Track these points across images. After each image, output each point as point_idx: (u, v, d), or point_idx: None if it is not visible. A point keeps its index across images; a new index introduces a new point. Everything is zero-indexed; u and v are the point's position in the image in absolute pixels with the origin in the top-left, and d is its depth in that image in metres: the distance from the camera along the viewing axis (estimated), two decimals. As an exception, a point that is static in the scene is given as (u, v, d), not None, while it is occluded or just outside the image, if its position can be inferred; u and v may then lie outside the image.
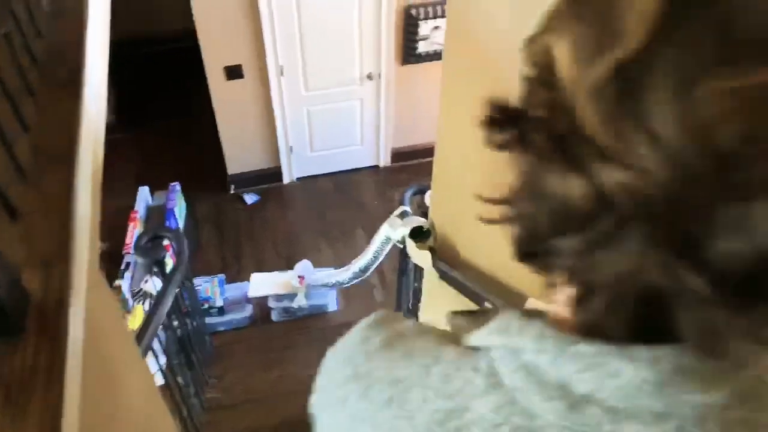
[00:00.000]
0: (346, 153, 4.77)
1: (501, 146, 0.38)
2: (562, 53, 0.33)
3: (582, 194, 0.32)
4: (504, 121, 0.37)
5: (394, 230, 2.61)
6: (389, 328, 0.52)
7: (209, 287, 3.76)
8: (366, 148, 4.80)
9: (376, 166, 4.93)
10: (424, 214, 2.94)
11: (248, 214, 4.53)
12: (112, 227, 4.31)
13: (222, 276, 3.86)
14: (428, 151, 5.04)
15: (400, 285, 3.46)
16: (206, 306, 3.69)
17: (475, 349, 0.45)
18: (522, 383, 0.40)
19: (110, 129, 4.74)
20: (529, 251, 0.39)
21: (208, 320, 3.60)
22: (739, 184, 0.29)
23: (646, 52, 0.29)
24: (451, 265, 2.08)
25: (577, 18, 0.33)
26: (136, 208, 4.22)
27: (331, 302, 3.64)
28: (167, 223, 4.06)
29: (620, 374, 0.37)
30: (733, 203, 0.29)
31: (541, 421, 0.39)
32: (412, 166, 4.91)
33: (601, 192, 0.32)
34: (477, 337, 0.45)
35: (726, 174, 0.29)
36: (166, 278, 2.64)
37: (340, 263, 4.16)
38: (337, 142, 4.67)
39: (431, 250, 2.15)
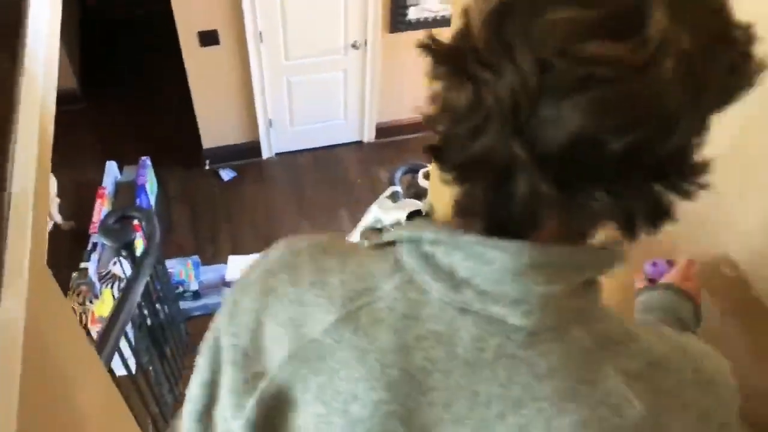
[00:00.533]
0: (328, 127, 4.55)
1: (434, 77, 0.50)
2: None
3: (468, 98, 0.46)
4: (436, 52, 0.49)
5: (385, 213, 2.42)
6: (312, 237, 0.63)
7: (183, 270, 3.54)
8: (349, 123, 4.58)
9: (360, 142, 4.72)
10: (417, 195, 2.76)
11: (224, 191, 4.31)
12: (77, 204, 4.05)
13: (196, 258, 3.65)
14: (415, 127, 4.85)
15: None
16: (180, 290, 3.48)
17: (386, 245, 0.57)
18: (419, 267, 0.53)
19: (74, 98, 4.45)
20: (434, 147, 0.52)
21: (182, 305, 3.40)
22: (555, 85, 0.42)
23: None
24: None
25: None
26: (103, 184, 3.97)
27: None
28: (138, 201, 3.82)
29: (493, 262, 0.49)
30: (551, 100, 0.43)
31: (429, 297, 0.52)
32: (398, 143, 4.71)
33: (479, 95, 0.45)
34: (389, 234, 0.56)
35: (546, 78, 0.42)
36: (137, 263, 2.43)
37: (322, 245, 3.98)
38: (319, 116, 4.44)
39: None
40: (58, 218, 3.73)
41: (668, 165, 0.46)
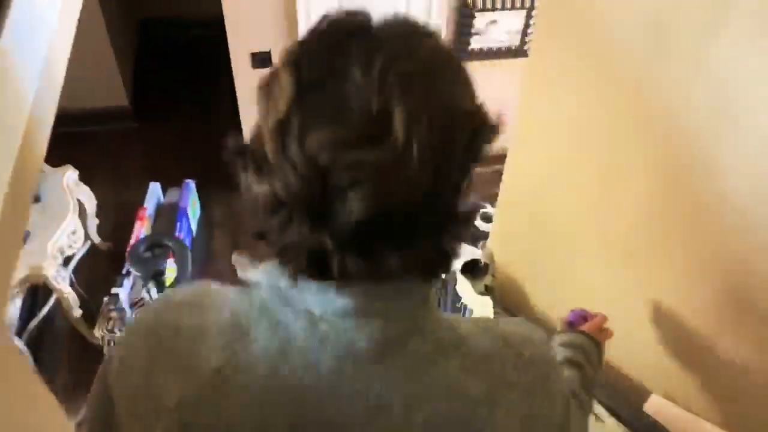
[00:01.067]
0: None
1: (240, 170, 0.62)
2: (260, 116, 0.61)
3: (266, 195, 0.58)
4: (235, 153, 0.63)
5: None
6: (186, 291, 0.73)
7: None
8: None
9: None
10: (474, 238, 2.51)
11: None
12: (118, 224, 3.95)
13: (234, 289, 3.49)
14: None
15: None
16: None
17: (251, 284, 0.68)
18: (282, 308, 0.64)
19: (125, 116, 4.39)
20: (259, 233, 0.64)
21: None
22: (334, 185, 0.53)
23: (286, 115, 0.55)
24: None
25: (261, 99, 0.61)
26: (145, 205, 3.87)
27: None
28: (178, 224, 3.70)
29: (335, 302, 0.61)
30: (336, 198, 0.54)
31: (295, 333, 0.63)
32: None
33: (274, 193, 0.57)
34: (252, 274, 0.67)
35: (326, 180, 0.53)
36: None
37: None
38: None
39: (488, 290, 1.71)
40: (96, 238, 3.62)
41: (441, 222, 0.60)
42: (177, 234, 3.60)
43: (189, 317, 0.67)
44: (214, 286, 0.72)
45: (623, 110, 1.22)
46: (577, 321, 1.18)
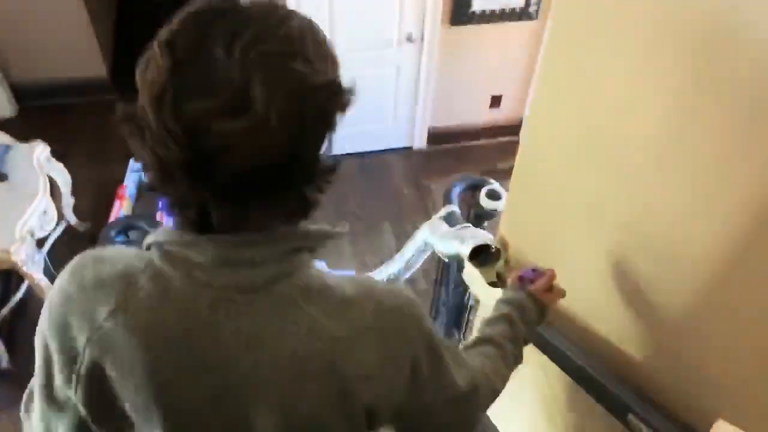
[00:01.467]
0: (375, 131, 4.15)
1: (127, 135, 0.69)
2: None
3: (150, 157, 0.66)
4: (122, 120, 0.68)
5: (440, 240, 2.00)
6: (94, 252, 0.80)
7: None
8: (399, 126, 4.17)
9: (410, 148, 4.30)
10: (478, 217, 2.32)
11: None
12: (96, 203, 3.74)
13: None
14: (474, 134, 4.41)
15: (436, 299, 2.86)
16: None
17: (148, 248, 0.76)
18: (164, 263, 0.73)
19: (103, 87, 4.09)
20: (149, 186, 0.70)
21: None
22: (207, 149, 0.62)
23: (162, 89, 0.62)
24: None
25: (140, 75, 0.66)
26: (125, 183, 3.66)
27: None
28: (160, 206, 3.49)
29: (209, 252, 0.71)
30: (207, 158, 0.63)
31: (174, 281, 0.72)
32: (452, 151, 4.28)
33: (158, 156, 0.65)
34: (146, 239, 0.76)
35: (200, 145, 0.62)
36: None
37: (361, 264, 3.57)
38: (365, 117, 4.02)
39: (500, 279, 1.53)
40: (72, 219, 3.42)
41: (302, 177, 0.71)
42: (158, 214, 3.41)
43: (91, 270, 0.76)
44: (121, 248, 0.82)
45: (680, 73, 1.01)
46: (528, 277, 1.21)
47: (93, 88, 4.44)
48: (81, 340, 0.74)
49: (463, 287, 2.33)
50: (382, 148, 4.25)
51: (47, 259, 2.98)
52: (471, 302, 2.38)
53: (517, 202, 1.62)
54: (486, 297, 1.61)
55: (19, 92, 4.31)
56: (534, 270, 1.22)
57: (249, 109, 0.62)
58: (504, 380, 1.02)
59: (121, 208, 3.47)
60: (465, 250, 1.64)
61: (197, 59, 0.63)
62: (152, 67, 0.64)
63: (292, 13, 0.68)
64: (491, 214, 2.26)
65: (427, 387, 0.82)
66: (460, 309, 2.54)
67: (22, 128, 4.37)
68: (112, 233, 2.13)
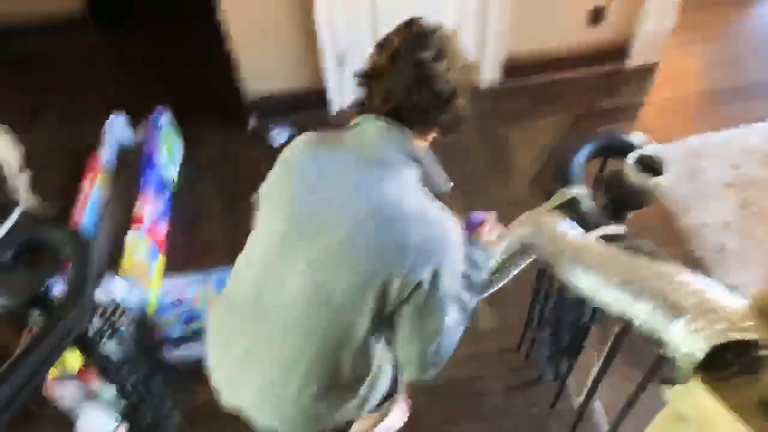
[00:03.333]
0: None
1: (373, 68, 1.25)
2: None
3: (378, 90, 1.24)
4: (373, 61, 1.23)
5: (573, 268, 1.11)
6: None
7: (201, 293, 2.38)
8: (462, 57, 3.20)
9: (476, 87, 3.34)
10: (618, 200, 1.41)
11: (275, 161, 3.09)
12: (70, 175, 2.99)
13: (224, 274, 2.47)
14: (565, 63, 3.40)
15: (530, 315, 1.99)
16: (188, 329, 2.32)
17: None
18: (347, 132, 1.27)
19: (79, 26, 2.89)
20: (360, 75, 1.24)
21: (189, 352, 2.24)
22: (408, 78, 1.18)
23: (396, 51, 1.18)
24: None
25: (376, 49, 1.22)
26: (100, 150, 2.86)
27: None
28: (143, 178, 2.69)
29: (373, 126, 1.21)
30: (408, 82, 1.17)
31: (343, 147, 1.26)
32: (535, 87, 3.31)
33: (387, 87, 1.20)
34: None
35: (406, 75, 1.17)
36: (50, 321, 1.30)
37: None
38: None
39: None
40: (28, 200, 2.66)
41: (444, 106, 1.19)
42: (142, 185, 2.60)
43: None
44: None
45: None
46: (475, 224, 1.46)
47: (65, 26, 3.63)
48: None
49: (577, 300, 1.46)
50: (440, 88, 3.31)
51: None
52: (590, 322, 1.50)
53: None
54: None
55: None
56: (474, 216, 1.51)
57: (433, 75, 1.16)
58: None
59: (94, 185, 2.68)
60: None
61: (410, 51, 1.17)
62: (389, 45, 1.18)
63: (444, 36, 1.22)
64: (644, 198, 1.34)
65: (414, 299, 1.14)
66: (571, 329, 1.66)
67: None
68: (6, 256, 1.33)
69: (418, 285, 1.11)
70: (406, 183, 1.17)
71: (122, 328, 1.92)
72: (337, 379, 1.22)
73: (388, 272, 1.10)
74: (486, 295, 1.49)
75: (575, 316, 1.52)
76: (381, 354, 1.28)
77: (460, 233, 1.19)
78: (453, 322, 1.19)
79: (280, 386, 1.22)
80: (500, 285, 1.65)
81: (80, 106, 3.44)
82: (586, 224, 1.27)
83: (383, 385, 1.35)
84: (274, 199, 1.25)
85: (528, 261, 1.52)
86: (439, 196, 1.23)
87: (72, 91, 3.56)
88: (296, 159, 1.25)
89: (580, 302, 1.45)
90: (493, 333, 2.28)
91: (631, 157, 1.30)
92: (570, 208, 1.31)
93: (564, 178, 1.34)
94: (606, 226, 1.22)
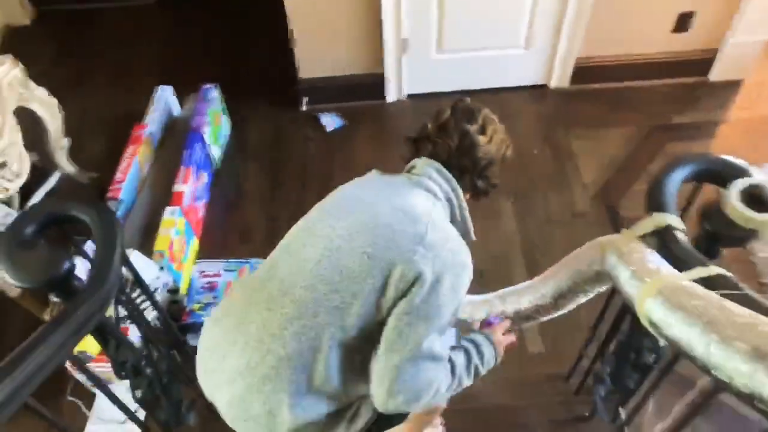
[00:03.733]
0: (497, 59, 3.03)
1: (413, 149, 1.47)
2: None
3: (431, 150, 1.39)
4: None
5: (670, 310, 0.95)
6: None
7: (233, 280, 2.28)
8: (534, 54, 3.02)
9: (544, 87, 3.16)
10: (713, 237, 1.23)
11: (326, 146, 2.96)
12: (114, 144, 2.91)
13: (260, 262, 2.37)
14: (641, 70, 3.15)
15: (588, 344, 1.82)
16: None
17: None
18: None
19: None
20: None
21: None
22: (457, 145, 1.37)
23: (446, 121, 1.39)
24: None
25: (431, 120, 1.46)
26: (145, 121, 2.78)
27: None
28: (188, 154, 2.60)
29: (432, 167, 1.37)
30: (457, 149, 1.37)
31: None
32: (605, 93, 3.11)
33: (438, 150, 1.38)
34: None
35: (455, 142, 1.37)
36: (68, 307, 1.19)
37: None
38: (483, 40, 2.93)
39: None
40: (69, 167, 2.59)
41: (480, 173, 1.36)
42: (185, 160, 2.51)
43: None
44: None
45: None
46: (491, 323, 1.46)
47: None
48: None
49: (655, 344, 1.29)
50: (504, 86, 3.13)
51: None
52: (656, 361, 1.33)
53: None
54: None
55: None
56: (493, 317, 1.51)
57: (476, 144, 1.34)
58: (438, 391, 1.20)
59: (135, 157, 2.60)
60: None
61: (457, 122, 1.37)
62: (441, 117, 1.37)
63: (487, 115, 1.40)
64: (745, 235, 1.17)
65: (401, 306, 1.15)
66: (639, 370, 1.48)
67: (36, 39, 3.64)
68: (28, 229, 1.23)
69: (417, 281, 1.13)
70: (437, 206, 1.28)
71: (147, 312, 1.84)
72: (313, 383, 1.16)
73: (396, 254, 1.15)
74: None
75: (651, 360, 1.35)
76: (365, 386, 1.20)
77: (471, 270, 1.23)
78: (441, 356, 1.18)
79: (250, 374, 1.16)
80: (563, 312, 1.49)
81: (129, 73, 3.37)
82: (675, 259, 1.10)
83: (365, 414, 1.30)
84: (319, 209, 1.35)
85: (600, 291, 1.36)
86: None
87: (123, 56, 3.49)
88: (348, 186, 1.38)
89: (658, 346, 1.28)
90: (540, 357, 2.11)
91: (735, 187, 1.13)
92: (658, 238, 1.15)
93: (655, 201, 1.17)
94: (703, 267, 1.05)
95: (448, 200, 1.32)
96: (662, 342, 1.01)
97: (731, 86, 3.11)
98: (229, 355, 1.19)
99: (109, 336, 1.37)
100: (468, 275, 1.22)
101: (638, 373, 1.46)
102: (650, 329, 1.01)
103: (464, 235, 1.34)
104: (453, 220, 1.33)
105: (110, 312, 1.38)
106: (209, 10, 3.77)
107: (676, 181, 1.21)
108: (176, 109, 3.00)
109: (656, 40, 2.96)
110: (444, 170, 1.32)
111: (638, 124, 2.96)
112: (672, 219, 1.14)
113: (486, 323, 1.47)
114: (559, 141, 2.91)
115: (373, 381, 1.15)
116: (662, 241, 1.13)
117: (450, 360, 1.24)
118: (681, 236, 1.12)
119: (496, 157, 1.37)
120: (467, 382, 1.28)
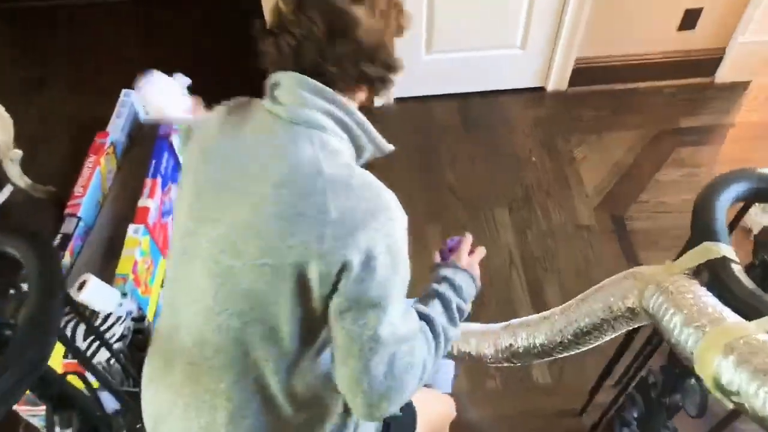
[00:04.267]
0: (491, 60, 2.86)
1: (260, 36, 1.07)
2: None
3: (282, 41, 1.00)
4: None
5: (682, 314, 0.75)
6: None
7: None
8: (530, 55, 2.84)
9: (541, 89, 2.98)
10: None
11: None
12: (73, 155, 2.66)
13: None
14: (645, 70, 2.91)
15: (602, 380, 1.63)
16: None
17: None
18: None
19: None
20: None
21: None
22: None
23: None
24: None
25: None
26: (109, 128, 2.56)
27: (444, 384, 1.86)
28: (155, 163, 2.37)
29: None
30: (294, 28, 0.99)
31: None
32: (607, 95, 2.94)
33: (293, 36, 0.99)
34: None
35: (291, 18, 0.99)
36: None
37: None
38: (477, 40, 2.76)
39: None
40: (21, 181, 2.36)
41: (369, 57, 1.00)
42: (157, 170, 2.27)
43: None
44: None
45: None
46: (447, 249, 1.26)
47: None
48: None
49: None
50: (499, 88, 2.96)
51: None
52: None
53: None
54: None
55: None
56: (450, 240, 1.27)
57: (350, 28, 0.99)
58: (425, 367, 1.00)
59: (97, 168, 2.37)
60: None
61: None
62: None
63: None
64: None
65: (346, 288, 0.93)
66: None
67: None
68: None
69: (344, 269, 0.91)
70: (328, 146, 0.98)
71: (113, 341, 1.64)
72: (282, 415, 1.02)
73: (302, 251, 0.90)
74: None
75: (693, 413, 1.16)
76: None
77: (400, 208, 0.99)
78: (411, 333, 0.97)
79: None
80: (584, 349, 1.30)
81: (98, 76, 3.14)
82: (736, 301, 0.91)
83: None
84: (180, 195, 1.09)
85: (629, 329, 1.17)
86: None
87: (91, 57, 3.27)
88: (201, 140, 1.10)
89: (705, 396, 1.09)
90: (547, 388, 1.93)
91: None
92: (710, 272, 0.96)
93: (704, 227, 0.98)
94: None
95: (340, 123, 1.01)
96: (728, 405, 0.82)
97: (738, 87, 2.95)
98: (171, 419, 1.04)
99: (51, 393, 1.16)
100: (401, 224, 0.97)
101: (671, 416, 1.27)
102: (715, 392, 0.82)
103: (382, 152, 1.12)
104: (357, 145, 1.05)
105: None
106: (182, 9, 3.57)
107: (725, 202, 1.02)
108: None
109: (661, 39, 2.79)
110: (321, 86, 0.98)
111: (642, 128, 2.79)
112: (726, 250, 0.95)
113: (446, 252, 1.24)
114: (558, 147, 2.74)
115: (345, 394, 0.96)
116: (715, 276, 0.94)
117: (424, 320, 1.04)
118: (739, 272, 0.93)
119: (386, 32, 1.01)
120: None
